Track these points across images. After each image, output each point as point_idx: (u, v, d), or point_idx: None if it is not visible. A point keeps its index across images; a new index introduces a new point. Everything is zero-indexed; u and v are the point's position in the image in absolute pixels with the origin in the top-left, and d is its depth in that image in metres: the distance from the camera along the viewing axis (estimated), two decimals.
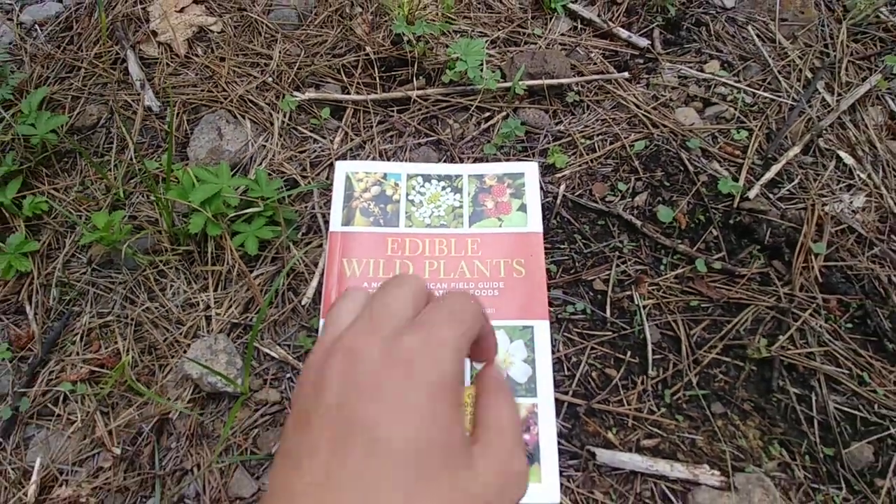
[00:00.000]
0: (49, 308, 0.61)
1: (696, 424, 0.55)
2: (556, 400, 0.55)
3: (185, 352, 0.57)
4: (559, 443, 0.53)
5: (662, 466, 0.52)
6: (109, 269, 0.63)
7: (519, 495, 0.25)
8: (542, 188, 0.66)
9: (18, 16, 0.82)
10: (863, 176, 0.70)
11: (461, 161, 0.68)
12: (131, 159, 0.70)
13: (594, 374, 0.57)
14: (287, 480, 0.23)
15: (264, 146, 0.70)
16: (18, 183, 0.67)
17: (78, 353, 0.59)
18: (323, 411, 0.24)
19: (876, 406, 0.57)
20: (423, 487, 0.22)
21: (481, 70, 0.71)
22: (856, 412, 0.56)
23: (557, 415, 0.55)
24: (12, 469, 0.54)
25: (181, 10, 0.80)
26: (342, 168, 0.63)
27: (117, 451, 0.54)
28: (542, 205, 0.65)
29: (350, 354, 0.24)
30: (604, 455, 0.53)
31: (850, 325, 0.61)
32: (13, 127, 0.69)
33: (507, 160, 0.67)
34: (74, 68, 0.77)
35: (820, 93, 0.76)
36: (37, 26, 0.81)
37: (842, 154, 0.71)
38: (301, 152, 0.69)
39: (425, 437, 0.23)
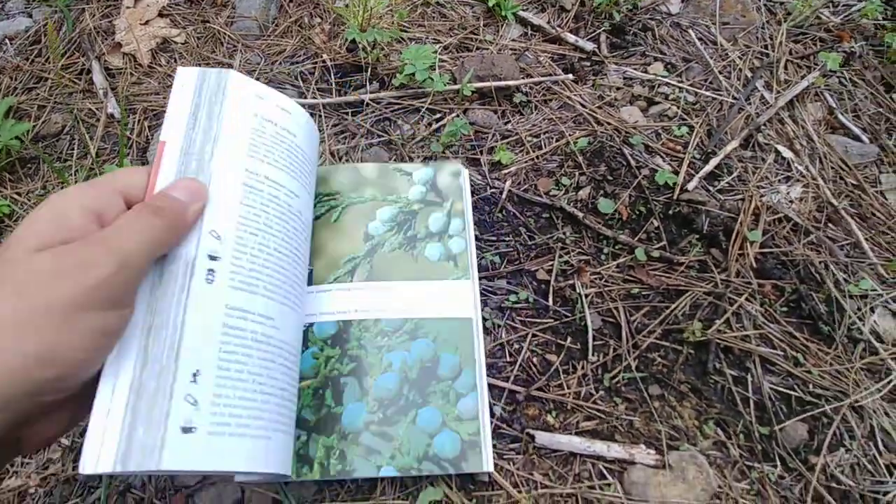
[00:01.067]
0: None
1: (633, 406, 0.57)
2: (497, 387, 0.57)
3: None
4: (499, 427, 0.55)
5: (600, 447, 0.53)
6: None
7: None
8: (487, 187, 0.68)
9: None
10: (801, 168, 0.73)
11: (411, 160, 0.70)
12: (92, 164, 0.72)
13: (535, 359, 0.59)
14: None
15: None
16: None
17: None
18: None
19: (811, 386, 0.58)
20: None
21: (431, 74, 0.74)
22: (791, 392, 0.58)
23: (498, 400, 0.56)
24: None
25: (146, 23, 0.83)
26: None
27: (66, 442, 0.55)
28: (488, 199, 0.67)
29: None
30: (543, 437, 0.54)
31: (785, 309, 0.62)
32: None
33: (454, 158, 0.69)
34: (41, 79, 0.80)
35: (759, 91, 0.79)
36: (6, 41, 0.84)
37: (780, 148, 0.74)
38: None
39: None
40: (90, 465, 0.32)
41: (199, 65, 0.80)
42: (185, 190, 0.39)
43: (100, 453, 0.32)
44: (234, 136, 0.44)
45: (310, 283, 0.54)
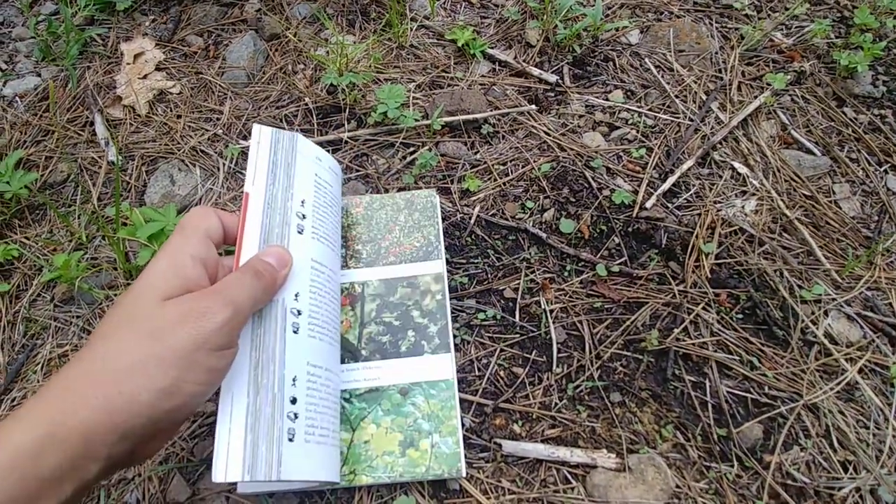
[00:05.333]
0: (14, 342, 0.68)
1: (595, 413, 0.60)
2: (466, 400, 0.60)
3: None
4: (468, 437, 0.58)
5: (563, 453, 0.57)
6: (70, 304, 0.70)
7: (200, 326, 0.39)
8: (457, 213, 0.73)
9: (1, 89, 0.93)
10: (755, 182, 0.77)
11: (386, 191, 0.75)
12: (94, 208, 0.78)
13: (502, 373, 0.62)
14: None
15: (211, 189, 0.78)
16: None
17: (38, 382, 0.65)
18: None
19: (766, 388, 0.61)
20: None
21: (404, 111, 0.79)
22: (747, 394, 0.61)
23: (466, 411, 0.60)
24: None
25: (144, 77, 0.91)
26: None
27: None
28: (457, 225, 0.72)
29: None
30: (509, 446, 0.57)
31: (740, 316, 0.66)
32: None
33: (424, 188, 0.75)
34: (48, 132, 0.87)
35: (714, 112, 0.84)
36: (17, 98, 0.91)
37: (735, 164, 0.78)
38: (241, 192, 0.77)
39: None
40: (220, 474, 0.40)
41: (193, 113, 0.87)
42: (276, 257, 0.48)
43: (227, 465, 0.41)
44: (301, 194, 0.56)
45: None
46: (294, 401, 0.46)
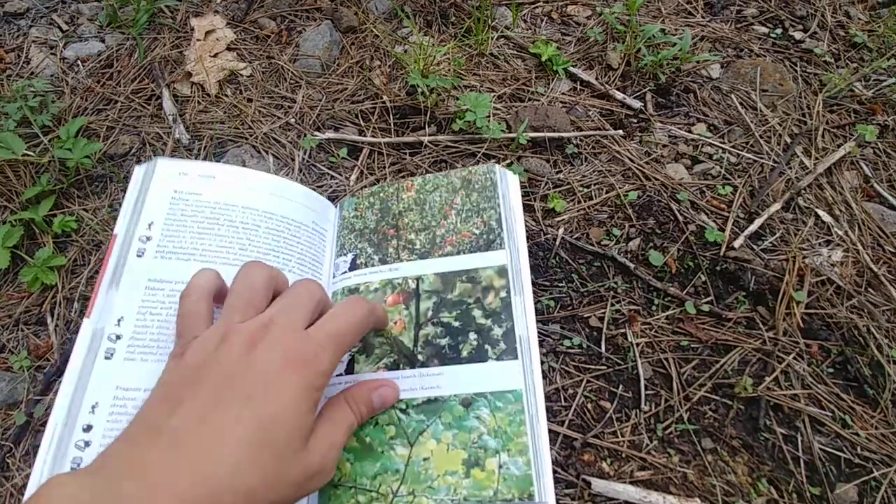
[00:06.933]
0: (69, 321, 0.64)
1: (686, 458, 0.57)
2: (552, 431, 0.57)
3: None
4: (554, 470, 0.55)
5: (655, 498, 0.54)
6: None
7: (321, 484, 0.37)
8: (541, 232, 0.70)
9: (62, 51, 0.89)
10: (840, 233, 0.75)
11: None
12: None
13: (589, 405, 0.60)
14: (156, 418, 0.32)
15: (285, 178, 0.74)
16: (51, 202, 0.71)
17: None
18: (208, 375, 0.34)
19: (859, 448, 0.59)
20: (258, 456, 0.31)
21: (488, 121, 0.77)
22: (840, 453, 0.59)
23: (553, 442, 0.57)
24: (22, 477, 0.55)
25: (215, 56, 0.87)
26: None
27: None
28: (541, 245, 0.69)
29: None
30: (599, 485, 0.54)
31: (831, 370, 0.64)
32: (50, 150, 0.74)
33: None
34: (111, 101, 0.83)
35: (798, 156, 0.82)
36: (79, 62, 0.87)
37: (820, 212, 0.77)
38: (319, 186, 0.74)
39: (282, 420, 0.33)
40: None
41: (264, 98, 0.84)
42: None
43: None
44: (149, 217, 0.53)
45: None
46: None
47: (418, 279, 0.57)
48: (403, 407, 0.51)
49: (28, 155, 0.73)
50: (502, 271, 0.56)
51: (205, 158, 0.77)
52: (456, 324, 0.54)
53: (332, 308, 0.41)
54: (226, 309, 0.39)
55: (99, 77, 0.86)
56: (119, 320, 0.46)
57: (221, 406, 0.32)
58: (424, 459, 0.49)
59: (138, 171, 0.53)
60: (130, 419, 0.36)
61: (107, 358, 0.45)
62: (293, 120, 0.81)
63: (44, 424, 0.58)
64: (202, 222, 0.53)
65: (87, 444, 0.42)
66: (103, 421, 0.43)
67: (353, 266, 0.58)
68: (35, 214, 0.69)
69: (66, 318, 0.64)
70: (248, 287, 0.40)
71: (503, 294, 0.54)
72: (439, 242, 0.58)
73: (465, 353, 0.53)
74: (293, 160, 0.76)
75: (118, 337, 0.46)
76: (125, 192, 0.52)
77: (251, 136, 0.79)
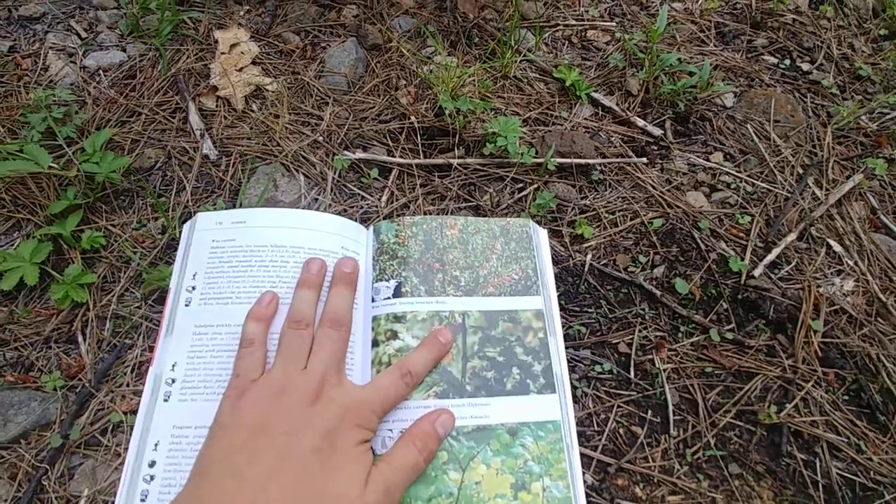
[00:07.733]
0: (101, 339, 0.63)
1: (715, 483, 0.60)
2: (585, 455, 0.59)
3: None
4: (588, 494, 0.57)
5: None
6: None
7: None
8: (569, 257, 0.72)
9: (82, 59, 0.88)
10: (850, 263, 0.79)
11: None
12: (188, 201, 0.74)
13: (621, 430, 0.62)
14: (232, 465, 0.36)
15: (317, 199, 0.75)
16: (78, 217, 0.70)
17: (129, 385, 0.60)
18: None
19: (872, 473, 0.62)
20: None
21: (517, 146, 0.79)
22: (855, 478, 0.62)
23: (587, 467, 0.59)
24: (56, 498, 0.54)
25: (240, 70, 0.87)
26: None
27: None
28: (570, 270, 0.71)
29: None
30: None
31: (846, 397, 0.67)
32: (76, 164, 0.73)
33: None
34: (135, 113, 0.82)
35: (810, 187, 0.86)
36: (100, 72, 0.86)
37: (831, 242, 0.80)
38: (351, 207, 0.74)
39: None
40: None
41: (291, 115, 0.84)
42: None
43: None
44: (193, 268, 0.56)
45: None
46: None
47: (464, 314, 0.60)
48: (455, 434, 0.54)
49: (53, 168, 0.72)
50: (539, 314, 0.61)
51: (232, 175, 0.77)
52: (500, 358, 0.58)
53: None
54: (278, 355, 0.44)
55: (122, 88, 0.85)
56: (173, 365, 0.50)
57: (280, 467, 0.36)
58: (476, 483, 0.52)
59: (185, 228, 0.58)
60: (185, 454, 0.43)
61: (164, 400, 0.48)
62: (321, 138, 0.82)
63: (80, 447, 0.58)
64: (236, 266, 0.57)
65: (152, 478, 0.44)
66: (164, 457, 0.46)
67: (398, 293, 0.60)
68: (63, 229, 0.68)
69: (97, 336, 0.63)
70: (298, 335, 0.44)
71: (541, 335, 0.59)
72: (482, 282, 0.62)
73: (509, 386, 0.56)
74: (324, 180, 0.77)
75: (173, 381, 0.49)
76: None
77: (280, 153, 0.79)
